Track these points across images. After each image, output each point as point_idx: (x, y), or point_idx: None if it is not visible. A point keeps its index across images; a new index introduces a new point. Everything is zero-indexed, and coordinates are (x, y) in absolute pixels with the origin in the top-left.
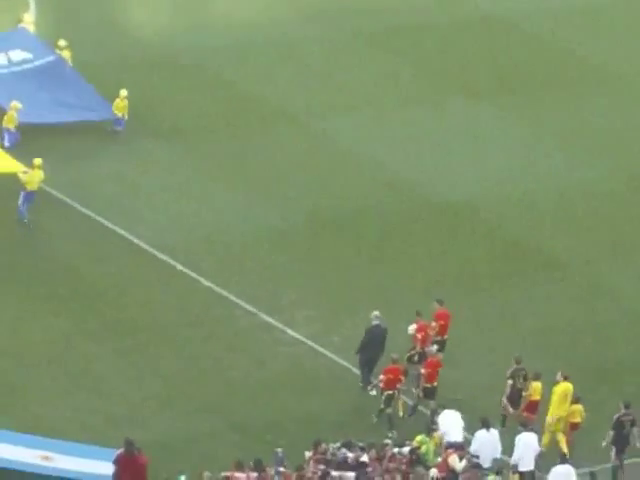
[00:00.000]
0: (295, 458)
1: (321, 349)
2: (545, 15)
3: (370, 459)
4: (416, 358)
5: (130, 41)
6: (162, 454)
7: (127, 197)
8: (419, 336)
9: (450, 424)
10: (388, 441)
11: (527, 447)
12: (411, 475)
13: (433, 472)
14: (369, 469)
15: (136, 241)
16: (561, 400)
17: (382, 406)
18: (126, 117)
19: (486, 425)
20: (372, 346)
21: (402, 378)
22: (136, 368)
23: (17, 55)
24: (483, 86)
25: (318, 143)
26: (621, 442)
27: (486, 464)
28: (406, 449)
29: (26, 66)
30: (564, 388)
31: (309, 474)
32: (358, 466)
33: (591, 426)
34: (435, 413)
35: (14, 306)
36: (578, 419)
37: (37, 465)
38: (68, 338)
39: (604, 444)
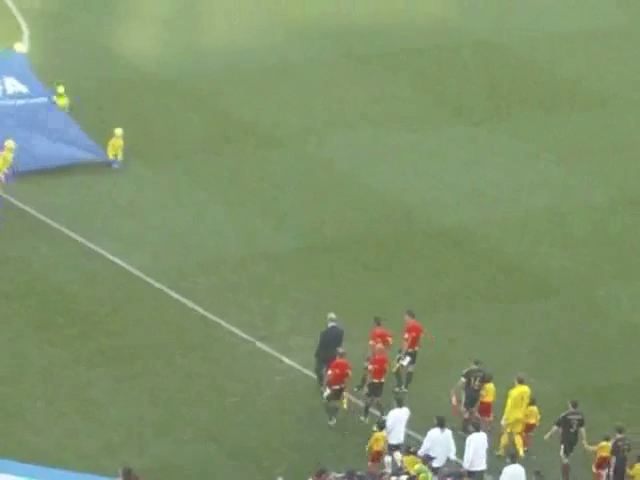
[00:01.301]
0: None
1: (316, 376)
2: (539, 38)
3: None
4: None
5: (126, 66)
6: None
7: (121, 221)
8: (372, 343)
9: (396, 422)
10: (387, 470)
11: (478, 447)
12: None
13: None
14: None
15: (130, 266)
16: (517, 403)
17: (325, 400)
18: (120, 157)
19: (441, 424)
20: (330, 348)
21: (349, 373)
22: (132, 394)
23: (12, 85)
24: (479, 108)
25: (314, 164)
26: (569, 440)
27: (439, 464)
28: (404, 478)
29: (20, 101)
30: (520, 391)
31: None
32: None
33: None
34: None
35: (9, 332)
36: (533, 420)
37: None
38: (63, 363)
39: (546, 437)
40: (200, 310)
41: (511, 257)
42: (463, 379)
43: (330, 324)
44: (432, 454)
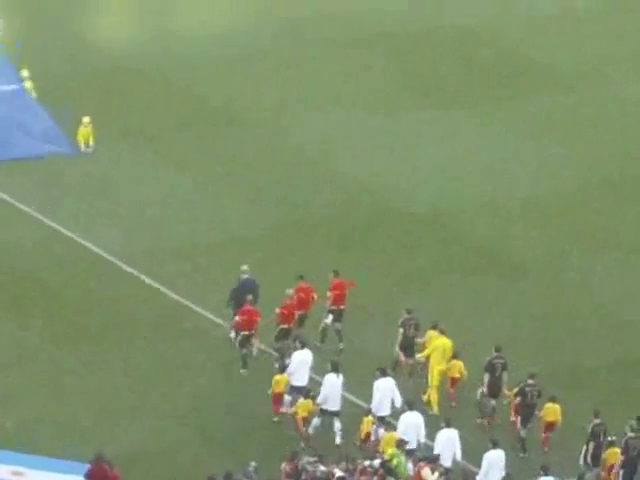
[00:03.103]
0: (266, 467)
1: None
2: (511, 22)
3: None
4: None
5: (98, 51)
6: (132, 466)
7: (92, 205)
8: (293, 295)
9: (298, 364)
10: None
11: (385, 393)
12: None
13: None
14: None
15: (101, 250)
16: (438, 353)
17: (237, 345)
18: (92, 142)
19: (335, 369)
20: (244, 298)
21: (257, 319)
22: (103, 379)
23: None
24: (451, 91)
25: (285, 146)
26: (493, 385)
27: (336, 407)
28: (377, 462)
29: None
30: (442, 342)
31: None
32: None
33: (563, 424)
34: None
35: None
36: (457, 374)
37: None
38: (34, 347)
39: (479, 390)
40: (171, 294)
41: (483, 237)
42: (401, 329)
43: (244, 276)
44: (330, 399)
